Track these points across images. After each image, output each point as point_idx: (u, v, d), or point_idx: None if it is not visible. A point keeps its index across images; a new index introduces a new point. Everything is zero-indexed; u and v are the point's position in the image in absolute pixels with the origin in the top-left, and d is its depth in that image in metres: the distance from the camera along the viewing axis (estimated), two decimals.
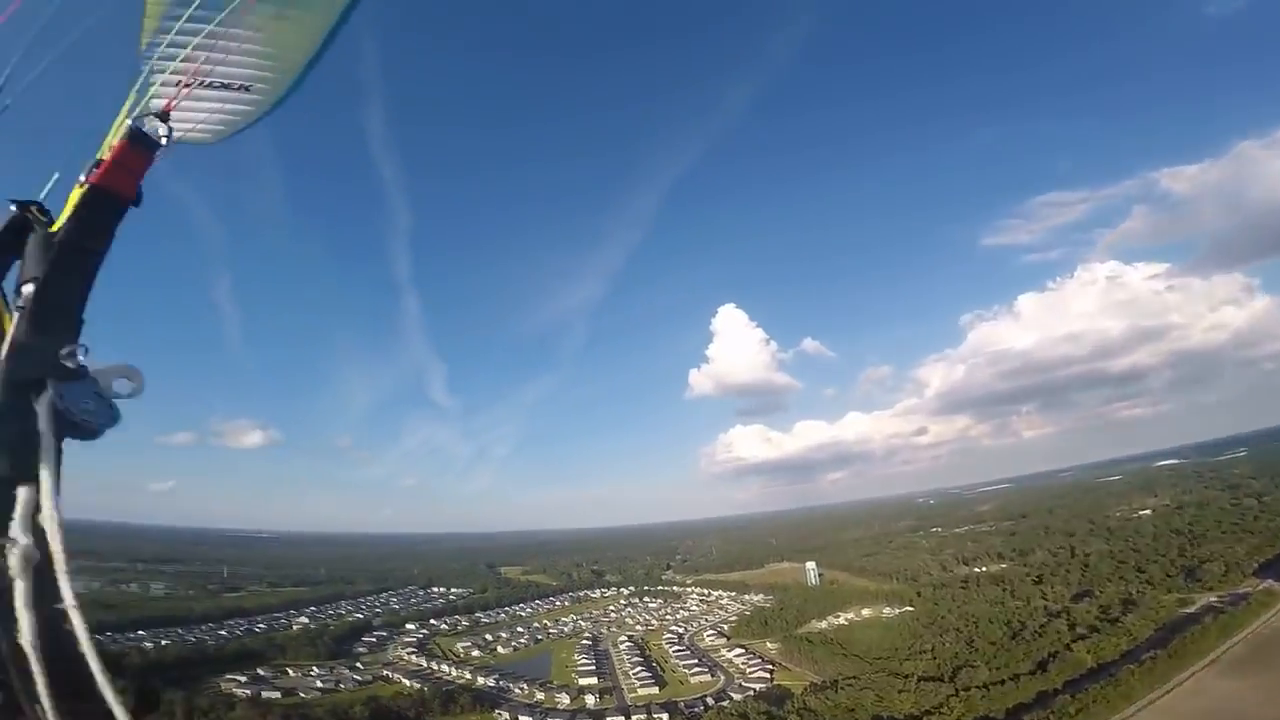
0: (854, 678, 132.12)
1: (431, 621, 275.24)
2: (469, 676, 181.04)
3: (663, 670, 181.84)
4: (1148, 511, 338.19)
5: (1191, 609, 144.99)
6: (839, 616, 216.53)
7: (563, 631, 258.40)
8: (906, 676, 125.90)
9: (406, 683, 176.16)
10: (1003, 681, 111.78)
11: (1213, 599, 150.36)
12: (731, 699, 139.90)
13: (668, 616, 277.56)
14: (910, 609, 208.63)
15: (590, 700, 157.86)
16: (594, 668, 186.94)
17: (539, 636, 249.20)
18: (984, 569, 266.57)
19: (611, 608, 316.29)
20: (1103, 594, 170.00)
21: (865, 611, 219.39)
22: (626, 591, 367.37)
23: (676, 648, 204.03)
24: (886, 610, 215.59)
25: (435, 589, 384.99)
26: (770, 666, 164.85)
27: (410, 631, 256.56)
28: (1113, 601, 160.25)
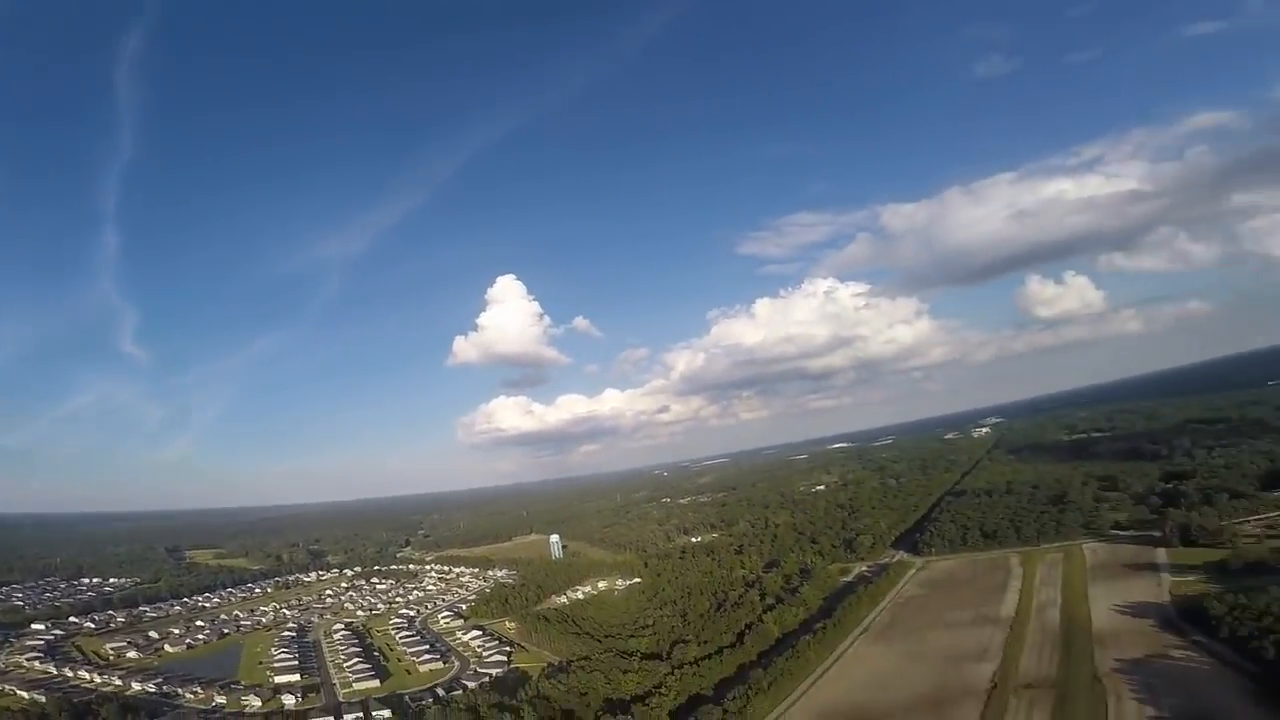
0: (586, 658, 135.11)
1: (72, 620, 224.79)
2: (119, 683, 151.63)
3: (386, 660, 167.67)
4: (822, 487, 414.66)
5: (849, 577, 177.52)
6: (577, 590, 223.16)
7: (259, 623, 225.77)
8: (631, 655, 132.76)
9: (24, 695, 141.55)
10: (709, 656, 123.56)
11: (864, 568, 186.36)
12: (465, 688, 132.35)
13: (398, 599, 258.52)
14: (638, 580, 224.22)
15: (290, 700, 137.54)
16: (296, 663, 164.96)
17: (225, 630, 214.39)
18: (699, 539, 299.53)
19: (329, 592, 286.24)
20: (786, 563, 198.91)
21: (601, 584, 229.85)
22: (351, 573, 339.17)
23: (405, 634, 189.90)
24: (620, 582, 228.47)
25: (85, 580, 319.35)
26: (509, 648, 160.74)
27: (36, 633, 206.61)
28: (793, 571, 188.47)
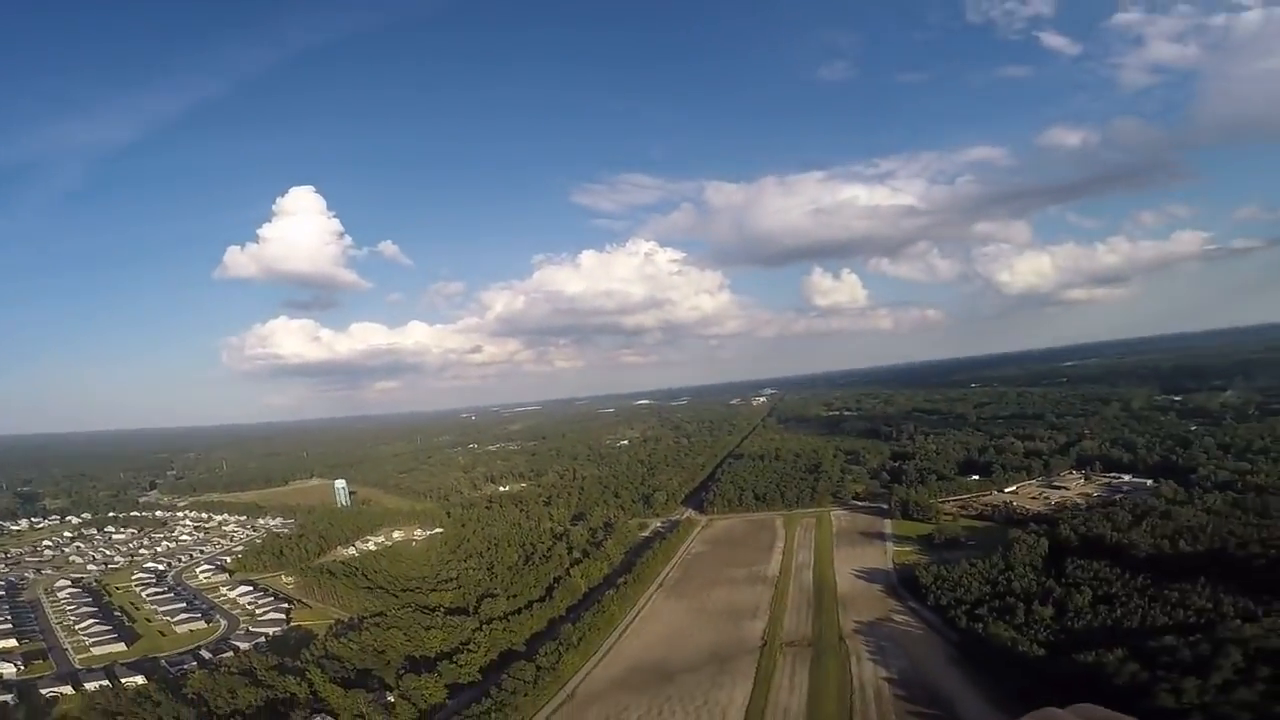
0: (381, 614, 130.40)
1: None
2: None
3: (132, 620, 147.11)
4: (625, 442, 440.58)
5: (646, 533, 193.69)
6: (368, 541, 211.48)
7: None
8: (434, 610, 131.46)
9: None
10: (519, 610, 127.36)
11: (659, 524, 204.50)
12: (236, 649, 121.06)
13: (143, 551, 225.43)
14: (440, 530, 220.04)
15: (9, 670, 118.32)
16: (10, 626, 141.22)
17: None
18: (507, 488, 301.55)
19: (47, 543, 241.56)
20: (592, 517, 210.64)
21: (397, 534, 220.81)
22: (77, 520, 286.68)
23: (155, 590, 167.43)
24: (418, 532, 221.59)
25: None
26: (287, 605, 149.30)
27: None
28: (599, 525, 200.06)
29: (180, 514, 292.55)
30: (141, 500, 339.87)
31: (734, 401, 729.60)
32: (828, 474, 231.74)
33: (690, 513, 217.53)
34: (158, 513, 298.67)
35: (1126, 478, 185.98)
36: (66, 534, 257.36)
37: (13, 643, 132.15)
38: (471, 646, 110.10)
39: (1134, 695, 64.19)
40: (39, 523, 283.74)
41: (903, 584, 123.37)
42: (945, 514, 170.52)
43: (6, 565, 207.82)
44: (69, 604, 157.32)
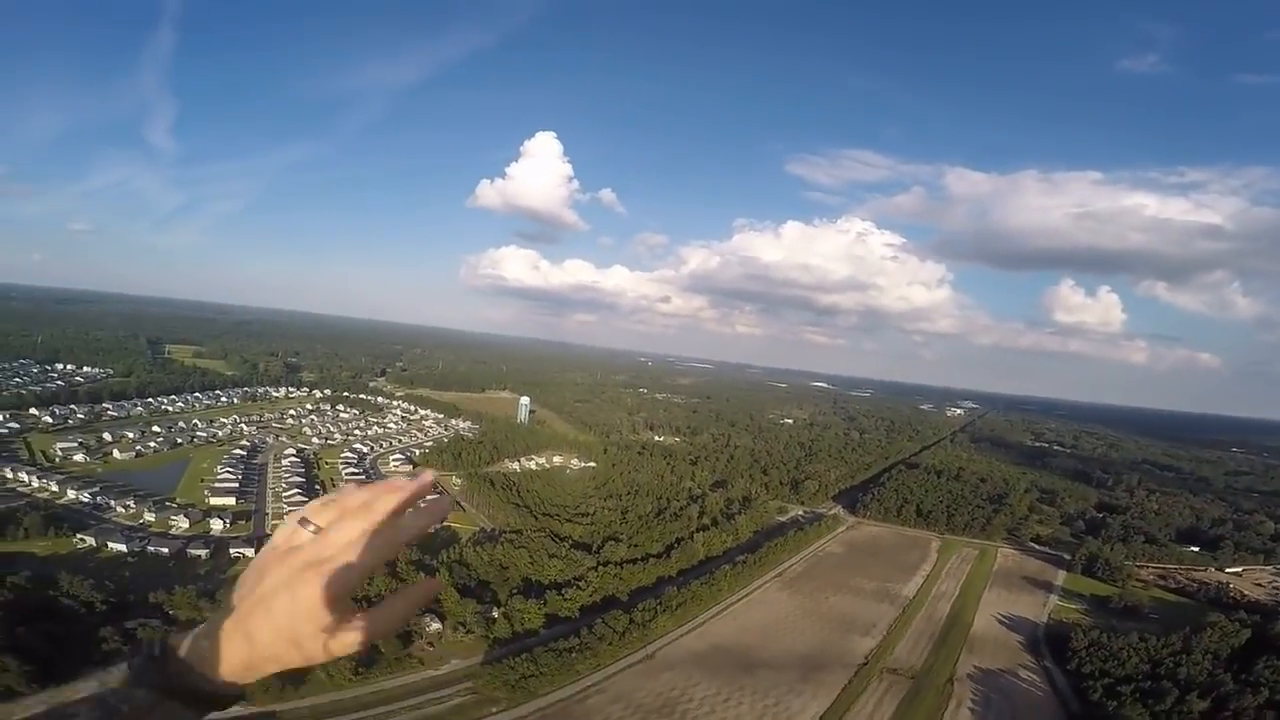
0: (517, 532, 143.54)
1: (32, 411, 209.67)
2: (55, 489, 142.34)
3: (320, 496, 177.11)
4: (790, 421, 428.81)
5: (784, 518, 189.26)
6: (531, 460, 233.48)
7: (215, 436, 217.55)
8: (563, 540, 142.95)
9: None
10: (636, 560, 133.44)
11: (800, 512, 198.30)
12: None
13: (356, 431, 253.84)
14: (593, 465, 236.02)
15: (217, 525, 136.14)
16: (237, 485, 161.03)
17: (179, 440, 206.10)
18: (662, 438, 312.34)
19: (292, 412, 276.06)
20: (733, 487, 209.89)
21: (557, 459, 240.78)
22: (320, 395, 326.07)
23: (352, 470, 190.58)
24: (575, 462, 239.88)
25: (59, 366, 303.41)
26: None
27: None
28: (737, 497, 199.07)
29: (394, 403, 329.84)
30: (371, 385, 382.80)
31: (925, 407, 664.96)
32: (1011, 508, 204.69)
33: (839, 510, 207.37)
34: (379, 398, 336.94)
35: None
36: (308, 406, 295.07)
37: (232, 500, 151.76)
38: (582, 584, 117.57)
39: None
40: (294, 393, 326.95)
41: (1048, 640, 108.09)
42: (1138, 581, 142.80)
43: (259, 428, 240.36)
44: (286, 471, 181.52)
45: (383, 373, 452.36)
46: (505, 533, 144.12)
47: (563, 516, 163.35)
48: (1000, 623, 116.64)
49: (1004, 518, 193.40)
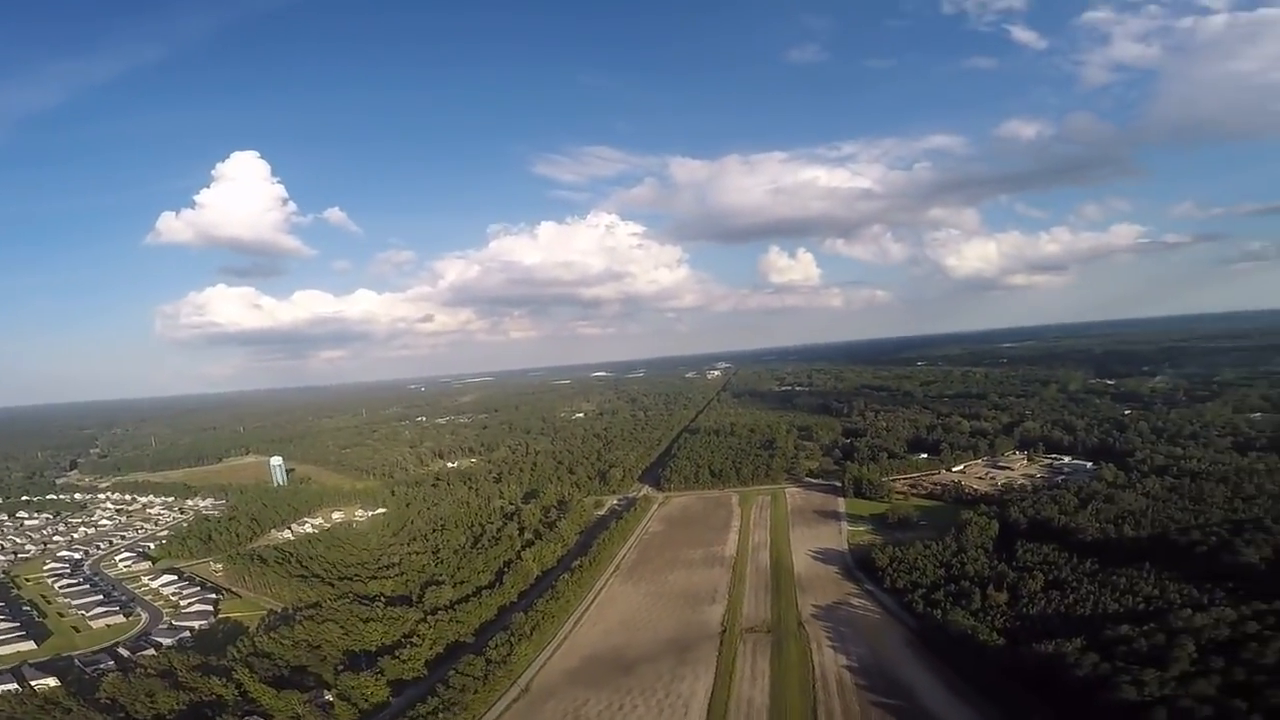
0: (316, 605, 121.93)
1: None
2: None
3: (43, 615, 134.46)
4: (581, 415, 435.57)
5: (603, 511, 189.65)
6: (305, 523, 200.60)
7: None
8: (373, 600, 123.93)
9: None
10: (467, 598, 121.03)
11: (615, 501, 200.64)
12: (158, 646, 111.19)
13: (57, 538, 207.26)
14: (383, 511, 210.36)
15: None
16: None
17: None
18: (456, 464, 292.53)
19: None
20: (545, 495, 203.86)
21: (336, 515, 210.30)
22: None
23: (69, 581, 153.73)
24: (360, 513, 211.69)
25: None
26: (215, 595, 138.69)
27: None
28: (552, 503, 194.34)
29: (101, 496, 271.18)
30: (59, 482, 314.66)
31: (690, 375, 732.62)
32: (782, 450, 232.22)
33: (647, 489, 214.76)
34: (76, 495, 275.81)
35: (1067, 459, 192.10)
36: None
37: None
38: (415, 639, 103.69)
39: (1096, 688, 63.52)
40: None
41: (859, 566, 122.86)
42: (897, 493, 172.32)
43: None
44: None
45: (73, 465, 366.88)
46: (300, 609, 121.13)
47: (364, 575, 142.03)
48: (815, 559, 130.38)
49: (780, 460, 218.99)
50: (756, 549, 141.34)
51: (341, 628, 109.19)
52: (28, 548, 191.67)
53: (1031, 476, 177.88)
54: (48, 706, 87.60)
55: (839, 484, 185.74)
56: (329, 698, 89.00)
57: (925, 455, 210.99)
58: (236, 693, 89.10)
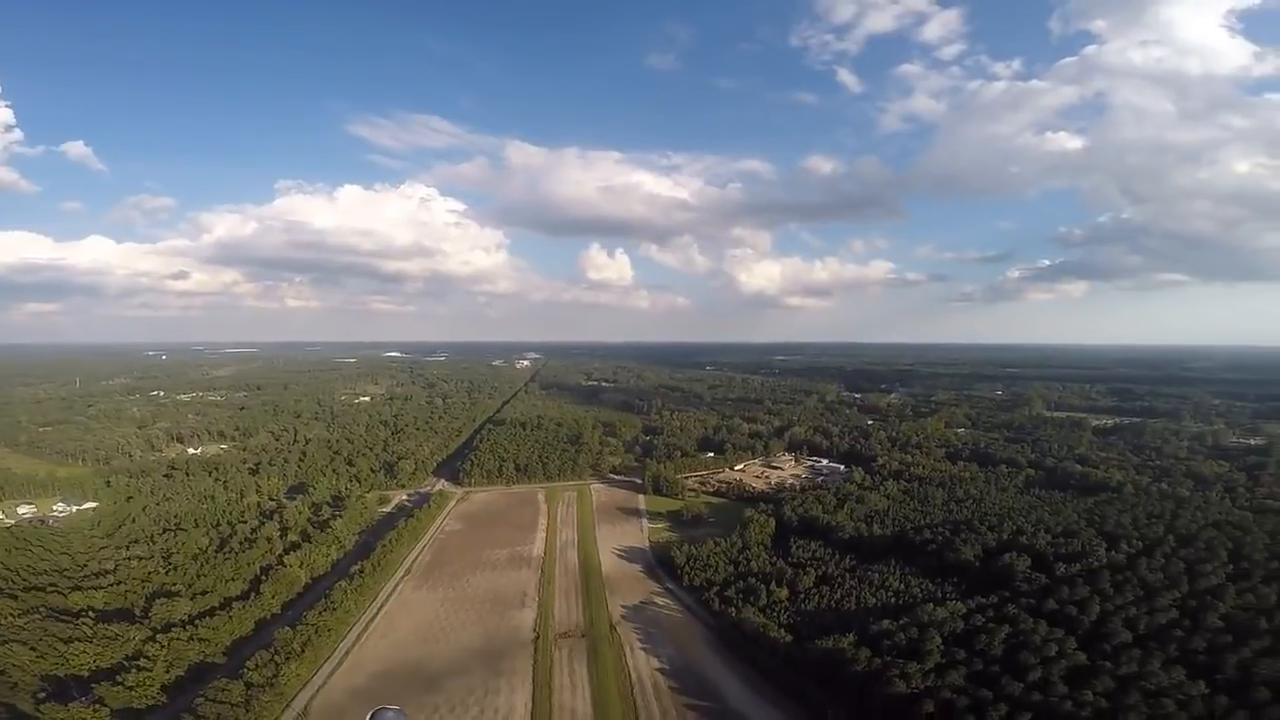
0: None
1: None
2: None
3: None
4: (367, 399, 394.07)
5: (389, 508, 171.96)
6: None
7: None
8: (78, 615, 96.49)
9: None
10: (211, 611, 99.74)
11: (405, 497, 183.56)
12: None
13: None
14: (94, 505, 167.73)
15: None
16: None
17: None
18: (199, 450, 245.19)
19: None
20: (316, 489, 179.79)
21: (24, 510, 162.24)
22: None
23: None
24: (59, 508, 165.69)
25: None
26: None
27: None
28: (324, 499, 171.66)
29: None
30: None
31: (497, 363, 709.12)
32: (588, 446, 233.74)
33: (443, 484, 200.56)
34: None
35: (825, 462, 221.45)
36: None
37: None
38: (143, 661, 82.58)
39: (870, 681, 71.54)
40: None
41: (660, 564, 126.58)
42: (689, 489, 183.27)
43: None
44: None
45: None
46: None
47: (63, 586, 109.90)
48: (620, 557, 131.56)
49: (585, 456, 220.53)
50: (565, 548, 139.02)
51: (33, 649, 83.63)
52: None
53: (799, 476, 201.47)
54: None
55: (639, 481, 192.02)
56: None
57: (712, 454, 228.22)
58: None
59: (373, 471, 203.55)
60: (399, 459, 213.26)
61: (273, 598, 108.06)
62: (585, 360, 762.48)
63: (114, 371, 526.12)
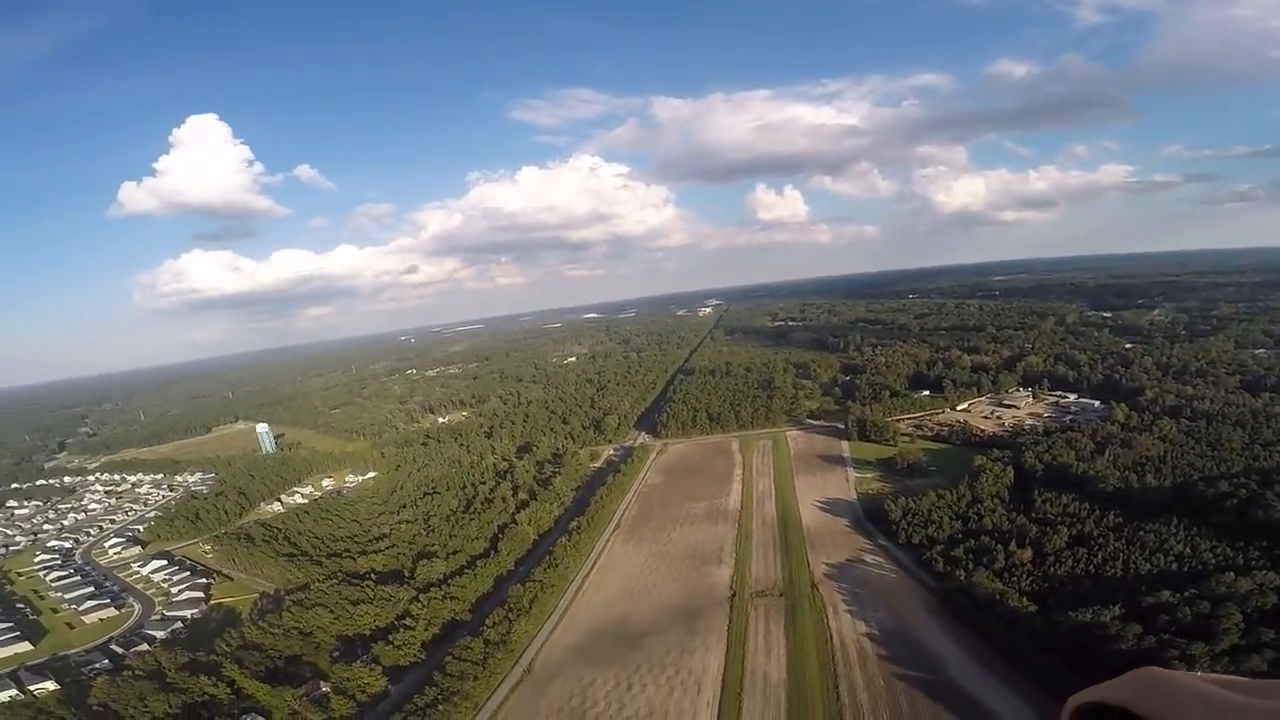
0: (306, 587, 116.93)
1: None
2: None
3: (36, 612, 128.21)
4: (573, 359, 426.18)
5: (599, 463, 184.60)
6: (295, 493, 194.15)
7: None
8: (363, 578, 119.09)
9: None
10: (461, 570, 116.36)
11: (611, 451, 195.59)
12: (151, 640, 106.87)
13: (47, 527, 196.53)
14: (374, 475, 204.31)
15: None
16: None
17: None
18: (446, 419, 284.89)
19: None
20: (539, 448, 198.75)
21: (327, 483, 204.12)
22: None
23: (59, 574, 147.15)
24: (350, 478, 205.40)
25: None
26: (206, 580, 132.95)
27: None
28: (545, 457, 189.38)
29: (90, 478, 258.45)
30: (48, 465, 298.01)
31: (681, 313, 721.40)
32: (781, 391, 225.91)
33: (644, 437, 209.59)
34: (65, 479, 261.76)
35: (1073, 397, 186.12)
36: None
37: None
38: (409, 621, 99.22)
39: (1141, 663, 58.31)
40: None
41: (870, 518, 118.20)
42: (902, 435, 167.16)
43: None
44: None
45: (61, 446, 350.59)
46: (289, 593, 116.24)
47: (353, 551, 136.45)
48: (823, 510, 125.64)
49: (779, 401, 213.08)
50: (761, 500, 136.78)
51: (331, 612, 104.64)
52: (17, 539, 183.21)
53: (1039, 416, 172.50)
54: (41, 716, 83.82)
55: (841, 425, 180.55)
56: (325, 689, 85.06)
57: (928, 393, 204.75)
58: (229, 691, 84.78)
59: (583, 428, 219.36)
60: (604, 415, 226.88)
61: (508, 555, 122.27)
62: (768, 301, 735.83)
63: (377, 357, 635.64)
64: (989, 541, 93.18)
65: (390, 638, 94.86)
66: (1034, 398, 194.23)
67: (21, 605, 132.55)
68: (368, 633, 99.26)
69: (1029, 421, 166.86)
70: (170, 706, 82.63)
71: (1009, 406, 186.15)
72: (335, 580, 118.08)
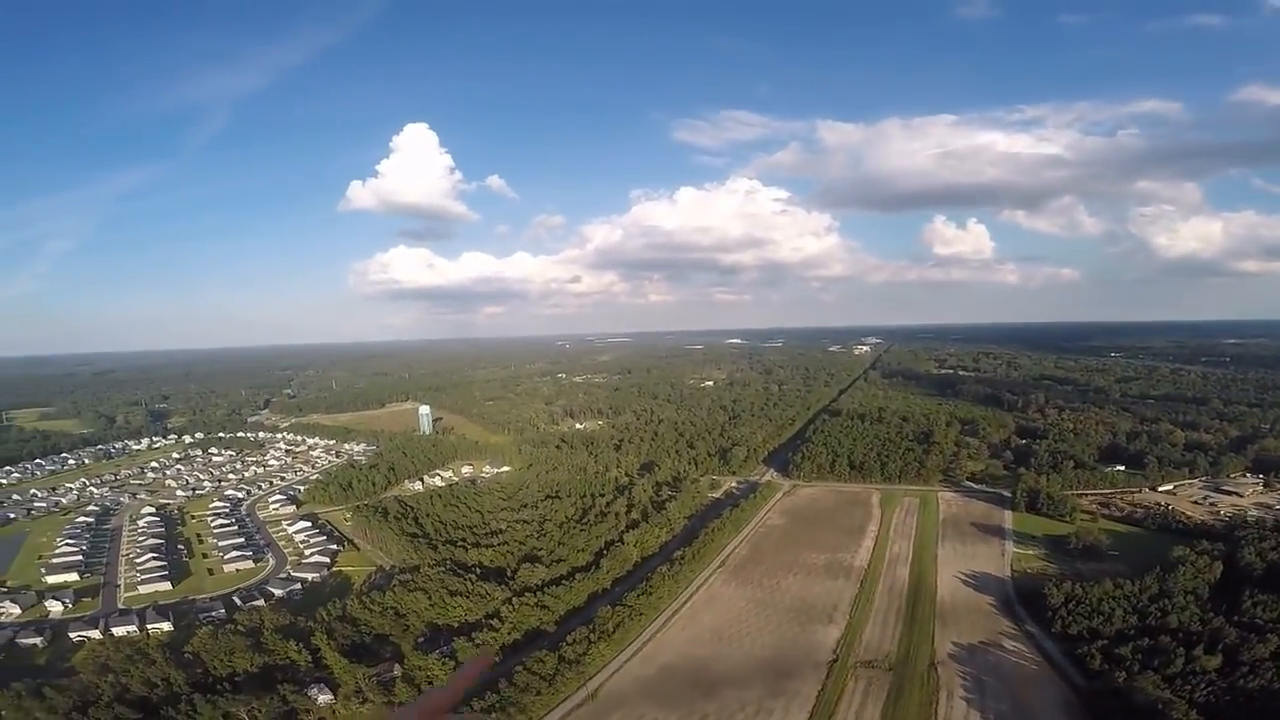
0: (415, 569, 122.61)
1: None
2: None
3: (190, 555, 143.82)
4: (711, 384, 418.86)
5: (718, 494, 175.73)
6: (436, 475, 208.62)
7: (57, 504, 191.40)
8: (469, 570, 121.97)
9: None
10: (559, 580, 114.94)
11: (734, 484, 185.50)
12: (270, 596, 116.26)
13: (230, 475, 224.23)
14: (507, 469, 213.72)
15: (56, 608, 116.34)
16: (80, 559, 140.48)
17: (12, 514, 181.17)
18: (583, 425, 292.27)
19: (154, 464, 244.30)
20: (661, 469, 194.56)
21: (465, 469, 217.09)
22: (190, 440, 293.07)
23: (223, 522, 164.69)
24: (487, 469, 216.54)
25: None
26: (336, 546, 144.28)
27: None
28: (665, 479, 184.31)
29: (278, 436, 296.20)
30: (250, 420, 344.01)
31: (834, 348, 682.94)
32: (940, 446, 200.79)
33: (772, 474, 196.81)
34: (260, 434, 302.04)
35: None
36: (175, 455, 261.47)
37: (72, 577, 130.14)
38: (496, 622, 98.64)
39: None
40: (158, 442, 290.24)
41: (1021, 599, 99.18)
42: (1084, 512, 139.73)
43: (113, 488, 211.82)
44: (143, 534, 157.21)
45: (266, 404, 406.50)
46: (399, 573, 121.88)
47: (468, 541, 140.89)
48: (965, 583, 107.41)
49: (935, 458, 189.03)
50: (894, 562, 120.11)
51: (429, 598, 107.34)
52: (205, 484, 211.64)
53: (1267, 508, 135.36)
54: (135, 656, 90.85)
55: (1008, 494, 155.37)
56: (396, 673, 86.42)
57: (1123, 469, 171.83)
58: (310, 659, 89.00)
59: (709, 455, 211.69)
60: (733, 445, 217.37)
61: (607, 573, 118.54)
62: (935, 345, 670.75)
63: (535, 358, 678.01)
64: (1168, 642, 73.13)
65: (474, 635, 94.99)
66: (1265, 487, 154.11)
67: (181, 547, 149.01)
68: (456, 625, 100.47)
69: (1253, 512, 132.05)
70: (252, 665, 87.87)
71: (1229, 493, 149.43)
72: (443, 568, 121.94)
